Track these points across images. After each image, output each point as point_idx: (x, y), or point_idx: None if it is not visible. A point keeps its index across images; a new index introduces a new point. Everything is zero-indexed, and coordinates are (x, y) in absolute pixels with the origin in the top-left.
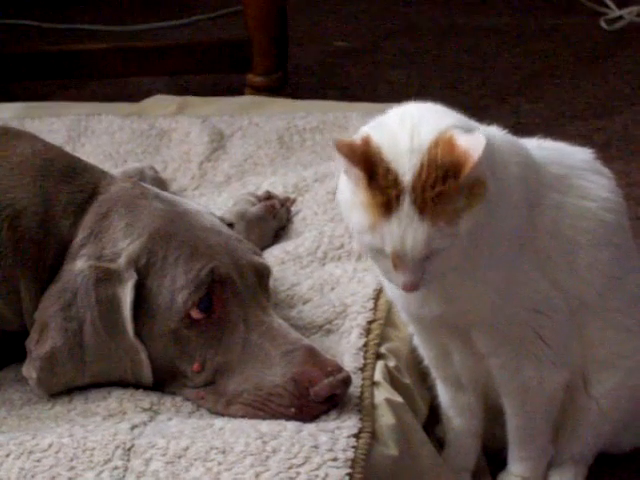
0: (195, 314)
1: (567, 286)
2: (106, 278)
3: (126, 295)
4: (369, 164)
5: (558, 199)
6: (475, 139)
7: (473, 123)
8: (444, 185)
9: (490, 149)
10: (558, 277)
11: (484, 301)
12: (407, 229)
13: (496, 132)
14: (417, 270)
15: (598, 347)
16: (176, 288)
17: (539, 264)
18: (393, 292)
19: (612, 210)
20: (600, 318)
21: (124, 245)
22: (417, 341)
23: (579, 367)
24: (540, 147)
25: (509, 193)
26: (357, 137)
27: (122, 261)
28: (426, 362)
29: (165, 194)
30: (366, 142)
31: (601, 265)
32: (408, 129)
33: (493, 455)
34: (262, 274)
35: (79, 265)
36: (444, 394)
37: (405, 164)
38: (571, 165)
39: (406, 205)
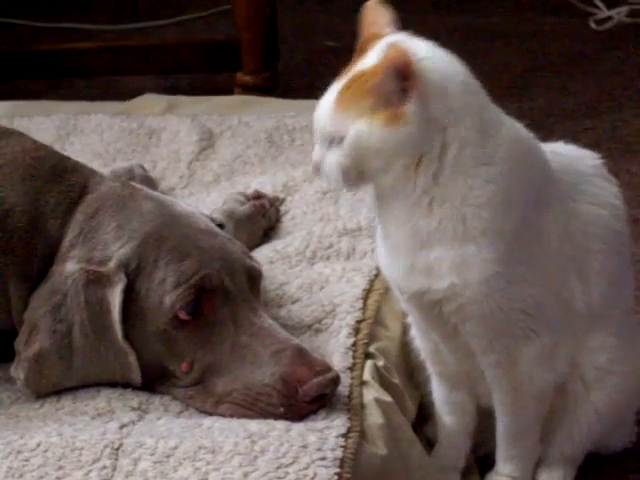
0: (182, 316)
1: (574, 290)
2: (96, 281)
3: (115, 298)
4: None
5: (570, 205)
6: (403, 55)
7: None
8: (362, 80)
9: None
10: (565, 280)
11: (467, 286)
12: (324, 100)
13: (524, 131)
14: (320, 146)
15: (599, 353)
16: (165, 290)
17: (543, 267)
18: (382, 261)
19: (620, 218)
20: (603, 325)
21: (115, 248)
22: (414, 332)
23: (577, 372)
24: (553, 152)
25: (514, 190)
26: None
27: (112, 265)
28: (423, 356)
29: (156, 194)
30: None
31: (608, 272)
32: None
33: (482, 457)
34: (254, 277)
35: (69, 267)
36: (438, 390)
37: (368, 59)
38: (581, 171)
39: (338, 84)
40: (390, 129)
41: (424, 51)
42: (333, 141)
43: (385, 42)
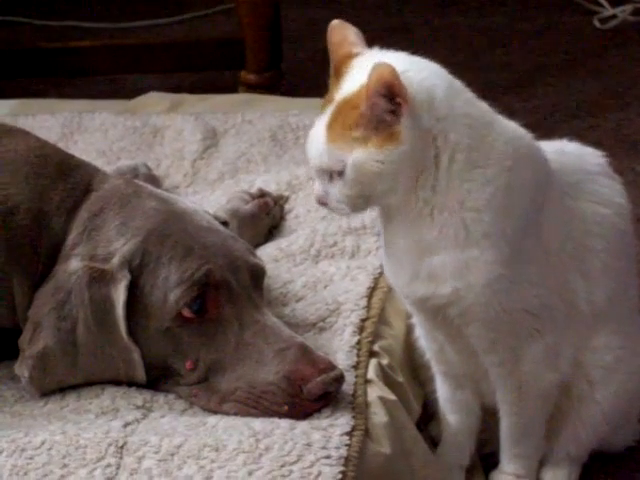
0: (187, 313)
1: (577, 290)
2: (99, 278)
3: (119, 295)
4: (337, 68)
5: (570, 204)
6: (387, 75)
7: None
8: (349, 108)
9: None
10: (568, 280)
11: (471, 290)
12: (314, 136)
13: (520, 131)
14: (320, 181)
15: (604, 352)
16: (169, 287)
17: (545, 267)
18: (387, 268)
19: (625, 217)
20: (608, 324)
21: (118, 245)
22: (419, 332)
23: (582, 371)
24: (557, 151)
25: (513, 190)
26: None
27: (116, 261)
28: (428, 355)
29: (159, 192)
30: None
31: (613, 272)
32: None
33: (486, 455)
34: (257, 274)
35: (73, 265)
36: (443, 389)
37: (348, 84)
38: (585, 170)
39: (324, 116)
40: (387, 151)
41: (404, 65)
42: (332, 174)
43: (364, 63)
